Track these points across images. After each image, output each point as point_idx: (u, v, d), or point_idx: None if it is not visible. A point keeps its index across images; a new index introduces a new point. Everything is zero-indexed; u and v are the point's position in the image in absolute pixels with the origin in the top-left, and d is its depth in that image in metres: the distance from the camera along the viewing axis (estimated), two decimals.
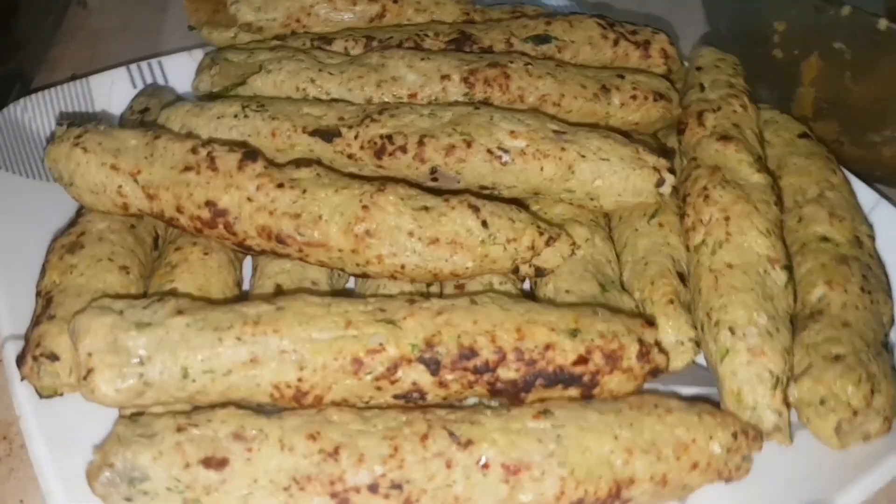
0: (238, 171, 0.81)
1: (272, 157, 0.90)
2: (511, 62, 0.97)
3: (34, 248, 0.86)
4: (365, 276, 0.83)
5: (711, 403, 0.75)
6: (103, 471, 0.66)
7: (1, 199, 0.95)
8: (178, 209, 0.82)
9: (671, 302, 0.84)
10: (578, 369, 0.72)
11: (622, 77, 1.00)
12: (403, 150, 0.88)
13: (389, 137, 0.88)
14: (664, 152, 0.93)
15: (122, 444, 0.67)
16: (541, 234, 0.82)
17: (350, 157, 0.90)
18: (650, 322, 0.76)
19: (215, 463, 0.67)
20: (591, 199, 0.89)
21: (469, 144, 0.87)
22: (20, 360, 0.74)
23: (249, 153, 0.83)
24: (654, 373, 0.74)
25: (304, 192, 0.81)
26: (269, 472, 0.67)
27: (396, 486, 0.67)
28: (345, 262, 0.82)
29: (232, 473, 0.67)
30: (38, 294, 0.79)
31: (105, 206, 0.85)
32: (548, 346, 0.72)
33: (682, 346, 0.83)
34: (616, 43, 1.07)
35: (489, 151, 0.87)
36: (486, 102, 0.96)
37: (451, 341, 0.71)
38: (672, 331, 0.83)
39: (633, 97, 0.99)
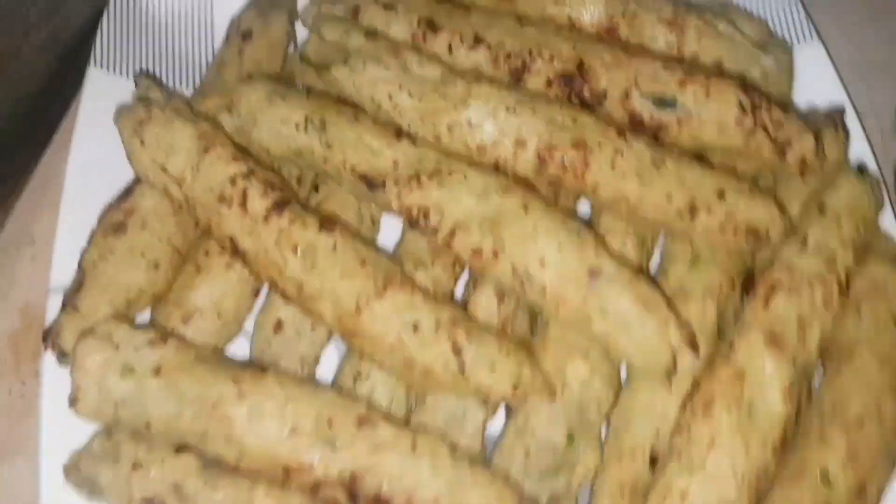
0: (264, 220, 0.83)
1: (321, 176, 0.91)
2: (599, 145, 0.87)
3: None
4: None
5: None
6: (72, 473, 0.82)
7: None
8: (208, 228, 0.87)
9: (622, 488, 0.84)
10: None
11: (721, 197, 0.88)
12: (434, 232, 0.86)
13: (426, 213, 0.85)
14: (692, 339, 0.84)
15: (92, 459, 0.82)
16: (514, 388, 0.82)
17: (388, 209, 0.88)
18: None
19: None
20: (606, 351, 0.86)
21: (496, 255, 0.84)
22: (45, 334, 0.87)
23: (280, 203, 0.84)
24: None
25: (313, 267, 0.83)
26: None
27: None
28: (339, 334, 0.86)
29: None
30: (79, 265, 0.89)
31: (155, 187, 0.90)
32: None
33: None
34: (751, 134, 0.91)
35: (513, 269, 0.83)
36: (554, 182, 0.88)
37: (373, 485, 0.78)
38: None
39: (722, 228, 0.88)
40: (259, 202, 0.83)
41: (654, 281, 0.86)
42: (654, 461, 0.85)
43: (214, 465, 0.81)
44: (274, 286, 0.85)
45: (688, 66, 0.93)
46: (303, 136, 0.89)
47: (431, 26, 0.96)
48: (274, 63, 1.02)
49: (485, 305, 0.88)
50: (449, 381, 0.81)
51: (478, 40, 0.95)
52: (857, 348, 0.87)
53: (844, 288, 0.85)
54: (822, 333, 0.84)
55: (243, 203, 0.84)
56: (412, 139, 0.89)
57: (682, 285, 0.90)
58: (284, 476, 0.79)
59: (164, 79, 1.05)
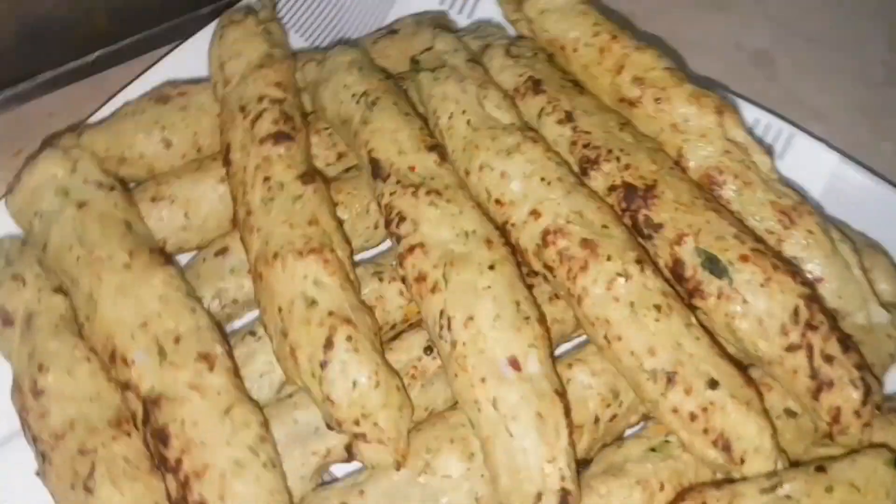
0: (259, 142, 0.82)
1: (351, 146, 0.88)
2: (609, 258, 0.75)
3: None
4: None
5: None
6: None
7: None
8: (221, 126, 0.87)
9: None
10: None
11: (713, 385, 0.71)
12: (398, 240, 0.79)
13: (402, 219, 0.79)
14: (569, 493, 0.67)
15: None
16: (356, 424, 0.71)
17: (379, 205, 0.83)
18: None
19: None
20: (484, 452, 0.72)
21: (434, 290, 0.75)
22: (44, 140, 0.90)
23: (284, 135, 0.82)
24: None
25: (271, 200, 0.79)
26: None
27: (42, 456, 0.74)
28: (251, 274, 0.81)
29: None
30: (115, 112, 0.93)
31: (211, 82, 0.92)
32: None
33: None
34: (792, 349, 0.74)
35: (441, 313, 0.74)
36: (548, 267, 0.78)
37: (166, 416, 0.71)
38: None
39: (693, 417, 0.71)
40: (266, 126, 0.82)
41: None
42: None
43: (71, 323, 0.78)
44: (233, 198, 0.83)
45: (764, 247, 0.79)
46: (352, 105, 0.87)
47: (536, 87, 0.91)
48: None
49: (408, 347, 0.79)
50: (305, 373, 0.72)
51: (569, 118, 0.88)
52: None
53: None
54: None
55: (255, 120, 0.83)
56: (441, 159, 0.84)
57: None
58: (110, 361, 0.74)
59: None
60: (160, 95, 0.93)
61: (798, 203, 0.85)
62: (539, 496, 0.67)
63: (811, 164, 1.00)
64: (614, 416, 0.79)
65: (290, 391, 0.79)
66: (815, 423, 0.76)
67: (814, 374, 0.74)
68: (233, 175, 0.83)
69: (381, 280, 0.83)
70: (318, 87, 0.91)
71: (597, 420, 0.78)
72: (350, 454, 0.73)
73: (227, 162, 0.84)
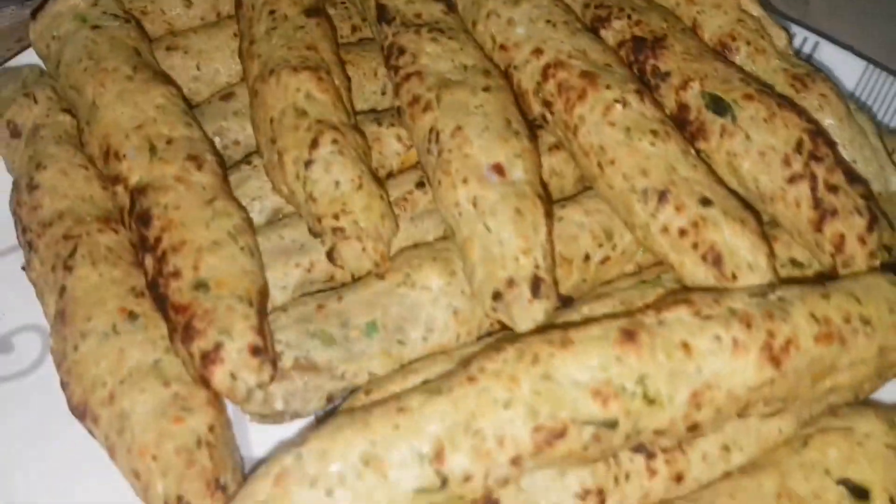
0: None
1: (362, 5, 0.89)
2: (608, 87, 0.73)
3: None
4: None
5: None
6: None
7: None
8: None
9: (367, 392, 0.65)
10: (171, 313, 0.65)
11: (706, 203, 0.69)
12: (396, 71, 0.79)
13: (402, 52, 0.79)
14: (540, 279, 0.65)
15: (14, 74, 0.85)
16: (335, 217, 0.70)
17: (381, 48, 0.83)
18: (256, 349, 0.62)
19: None
20: (462, 258, 0.70)
21: (426, 109, 0.74)
22: None
23: None
24: (204, 383, 0.62)
25: (274, 29, 0.81)
26: None
27: (29, 244, 0.74)
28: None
29: None
30: None
31: None
32: (176, 274, 0.66)
33: None
34: (793, 180, 0.71)
35: (431, 129, 0.73)
36: (547, 104, 0.77)
37: (149, 202, 0.71)
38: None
39: (682, 232, 0.68)
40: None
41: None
42: None
43: (74, 138, 0.80)
44: (241, 37, 0.84)
45: (770, 90, 0.77)
46: None
47: None
48: None
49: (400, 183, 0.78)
50: (290, 175, 0.72)
51: None
52: (769, 468, 0.64)
53: (776, 351, 0.59)
54: (711, 381, 0.59)
55: None
56: (448, 9, 0.84)
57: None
58: (103, 159, 0.75)
59: None
60: None
61: (812, 70, 0.83)
62: (510, 282, 0.64)
63: (839, 68, 0.99)
64: (607, 258, 0.76)
65: (280, 218, 0.79)
66: (819, 259, 0.71)
67: (817, 204, 0.70)
68: (242, 15, 0.85)
69: (379, 125, 0.83)
70: None
71: (587, 258, 0.75)
72: (331, 259, 0.71)
73: (238, 4, 0.87)
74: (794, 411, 0.66)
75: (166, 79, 0.81)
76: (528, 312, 0.64)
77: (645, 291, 0.71)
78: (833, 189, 0.70)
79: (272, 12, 0.82)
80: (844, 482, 0.61)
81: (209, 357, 0.62)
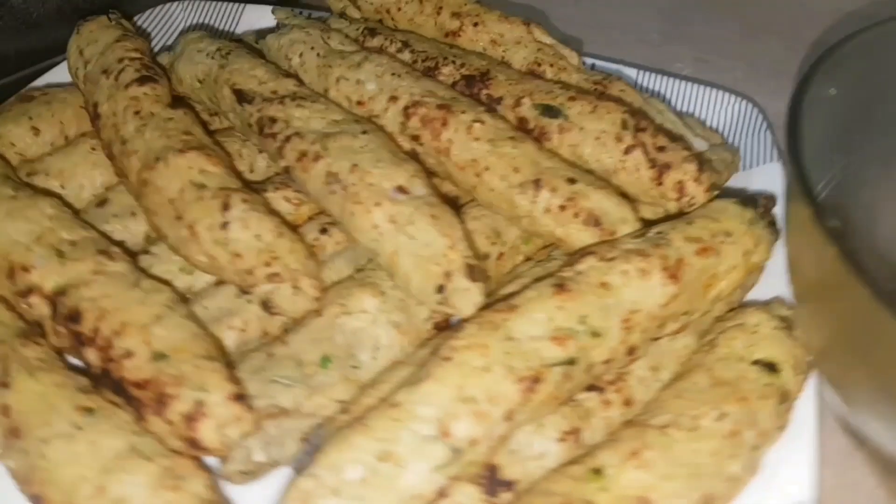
0: (125, 87, 0.88)
1: (214, 100, 0.95)
2: (463, 112, 0.86)
3: None
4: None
5: None
6: None
7: None
8: (86, 102, 0.92)
9: (344, 411, 0.69)
10: (134, 391, 0.66)
11: (572, 181, 0.81)
12: (274, 137, 0.86)
13: (273, 121, 0.86)
14: (475, 268, 0.74)
15: None
16: (267, 265, 0.74)
17: (249, 125, 0.90)
18: (240, 397, 0.64)
19: None
20: (391, 274, 0.77)
21: (317, 159, 0.81)
22: None
23: (147, 77, 0.89)
24: (194, 445, 0.63)
25: (144, 126, 0.85)
26: None
27: None
28: (138, 204, 0.84)
29: None
30: None
31: (75, 81, 0.99)
32: (129, 354, 0.67)
33: None
34: (629, 151, 0.86)
35: (327, 174, 0.80)
36: (415, 138, 0.87)
37: (74, 299, 0.71)
38: None
39: (562, 207, 0.80)
40: (130, 74, 0.89)
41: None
42: None
43: None
44: (107, 148, 0.87)
45: (583, 91, 0.93)
46: (209, 61, 0.96)
47: (372, 32, 1.04)
48: None
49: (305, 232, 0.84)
50: (207, 243, 0.75)
51: (406, 45, 1.01)
52: (696, 370, 0.73)
53: (673, 268, 0.72)
54: (631, 309, 0.70)
55: (118, 76, 0.90)
56: (299, 82, 0.93)
57: None
58: (7, 278, 0.74)
59: None
60: (24, 96, 0.98)
61: (606, 75, 1.01)
62: (447, 274, 0.72)
63: None
64: (501, 254, 0.86)
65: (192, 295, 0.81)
66: (667, 209, 0.86)
67: (653, 163, 0.85)
68: (103, 126, 0.88)
69: (265, 191, 0.88)
70: (175, 64, 0.99)
71: (486, 257, 0.84)
72: (267, 309, 0.75)
73: (95, 117, 0.90)
74: (693, 329, 0.79)
75: (47, 192, 0.81)
76: (469, 297, 0.72)
77: (545, 268, 0.82)
78: (661, 149, 0.86)
79: (137, 113, 0.86)
80: (757, 362, 0.73)
81: (192, 417, 0.63)
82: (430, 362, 0.66)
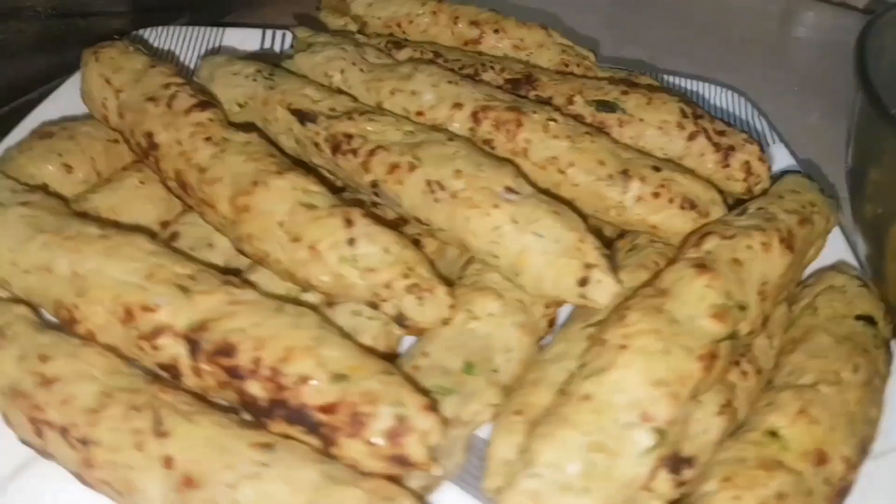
0: (184, 114, 0.83)
1: (262, 124, 0.91)
2: (534, 112, 0.87)
3: None
4: (242, 253, 0.80)
5: None
6: None
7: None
8: (132, 132, 0.86)
9: (518, 413, 0.69)
10: (320, 416, 0.62)
11: (657, 169, 0.84)
12: (355, 153, 0.83)
13: (349, 138, 0.84)
14: (610, 261, 0.76)
15: None
16: (405, 276, 0.72)
17: (315, 144, 0.87)
18: (432, 407, 0.62)
19: None
20: (515, 275, 0.77)
21: (412, 169, 0.80)
22: None
23: (205, 103, 0.84)
24: (401, 461, 0.61)
25: (223, 151, 0.80)
26: (1, 373, 0.67)
27: (83, 441, 0.63)
28: (227, 230, 0.79)
29: None
30: None
31: (96, 113, 0.91)
32: (304, 379, 0.63)
33: (507, 467, 0.67)
34: (692, 137, 0.90)
35: (427, 182, 0.79)
36: (487, 143, 0.87)
37: (220, 332, 0.66)
38: (502, 445, 0.68)
39: (656, 195, 0.83)
40: (185, 99, 0.84)
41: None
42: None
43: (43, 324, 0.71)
44: (177, 177, 0.81)
45: (632, 85, 0.96)
46: (250, 83, 0.92)
47: (398, 45, 1.03)
48: None
49: None
50: (332, 263, 0.72)
51: (437, 55, 1.01)
52: (813, 331, 0.78)
53: (787, 239, 0.76)
54: (762, 280, 0.74)
55: (170, 102, 0.84)
56: (354, 98, 0.91)
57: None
58: (125, 321, 0.68)
59: None
60: (42, 132, 0.89)
61: (629, 71, 1.05)
62: (588, 266, 0.73)
63: None
64: None
65: None
66: (732, 189, 0.91)
67: (717, 147, 0.90)
68: (164, 155, 0.82)
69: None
70: (208, 87, 0.94)
71: None
72: (401, 322, 0.73)
73: (151, 148, 0.83)
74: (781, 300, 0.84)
75: (134, 228, 0.75)
76: (606, 288, 0.73)
77: (640, 255, 0.84)
78: (721, 133, 0.91)
79: (207, 139, 0.81)
80: (859, 318, 0.79)
81: (396, 433, 0.61)
82: (601, 356, 0.67)
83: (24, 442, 0.67)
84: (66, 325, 0.71)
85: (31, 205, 0.74)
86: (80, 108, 0.95)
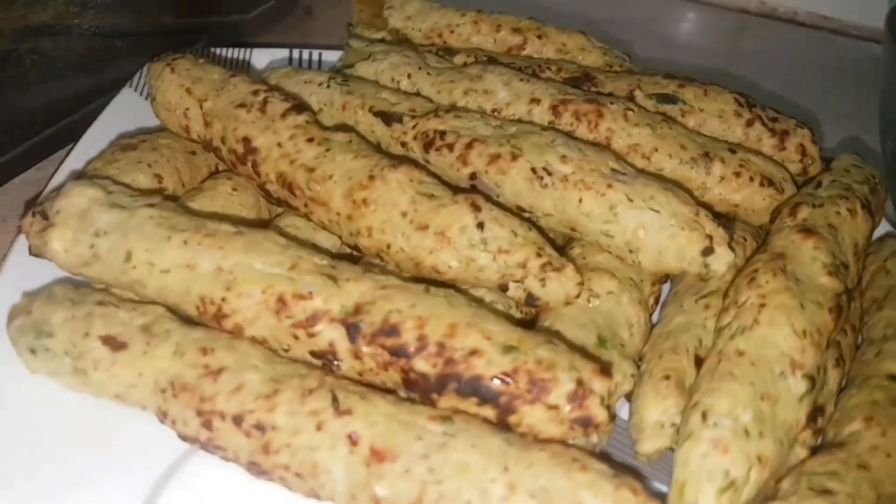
0: (281, 117, 0.83)
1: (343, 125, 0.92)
2: (611, 103, 0.91)
3: None
4: (357, 249, 0.80)
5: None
6: (20, 315, 0.69)
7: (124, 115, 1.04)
8: (223, 140, 0.86)
9: (667, 378, 0.72)
10: (497, 385, 0.63)
11: (733, 151, 0.90)
12: (450, 148, 0.85)
13: (442, 134, 0.86)
14: (727, 226, 0.81)
15: (48, 299, 0.70)
16: (538, 256, 0.74)
17: (403, 144, 0.89)
18: (605, 370, 0.65)
19: (114, 343, 0.67)
20: (631, 252, 0.80)
21: (515, 158, 0.82)
22: (24, 214, 0.80)
23: (298, 106, 0.85)
24: (585, 423, 0.63)
25: (328, 151, 0.81)
26: (155, 370, 0.66)
27: (259, 428, 0.63)
28: (341, 227, 0.80)
29: (125, 359, 0.67)
30: (81, 174, 0.86)
31: (174, 125, 0.91)
32: (474, 352, 0.64)
33: (660, 429, 0.70)
34: (750, 124, 0.96)
35: (532, 170, 0.82)
36: (569, 134, 0.90)
37: (379, 314, 0.66)
38: (655, 409, 0.71)
39: (737, 174, 0.88)
40: (278, 105, 0.84)
41: None
42: (698, 362, 0.74)
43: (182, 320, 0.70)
44: (280, 179, 0.81)
45: (684, 79, 1.02)
46: (325, 90, 0.93)
47: (450, 52, 1.07)
48: None
49: None
50: (462, 246, 0.74)
51: (491, 60, 1.05)
52: (894, 290, 0.83)
53: (867, 205, 0.83)
54: (853, 241, 0.80)
55: (263, 107, 0.84)
56: (428, 99, 0.93)
57: None
58: (277, 310, 0.67)
59: None
60: (124, 145, 0.88)
61: (666, 72, 1.11)
62: (709, 237, 0.77)
63: None
64: None
65: None
66: (787, 173, 0.97)
67: (773, 132, 0.96)
68: (265, 159, 0.83)
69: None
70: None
71: None
72: (531, 302, 0.75)
73: (249, 153, 0.83)
74: None
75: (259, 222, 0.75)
76: (728, 256, 0.77)
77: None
78: (774, 119, 0.97)
79: (310, 140, 0.82)
80: None
81: (579, 395, 0.62)
82: (739, 318, 0.71)
83: (185, 438, 0.66)
84: (211, 321, 0.70)
85: (157, 206, 0.73)
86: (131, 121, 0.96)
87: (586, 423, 0.63)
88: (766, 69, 1.55)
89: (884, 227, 0.98)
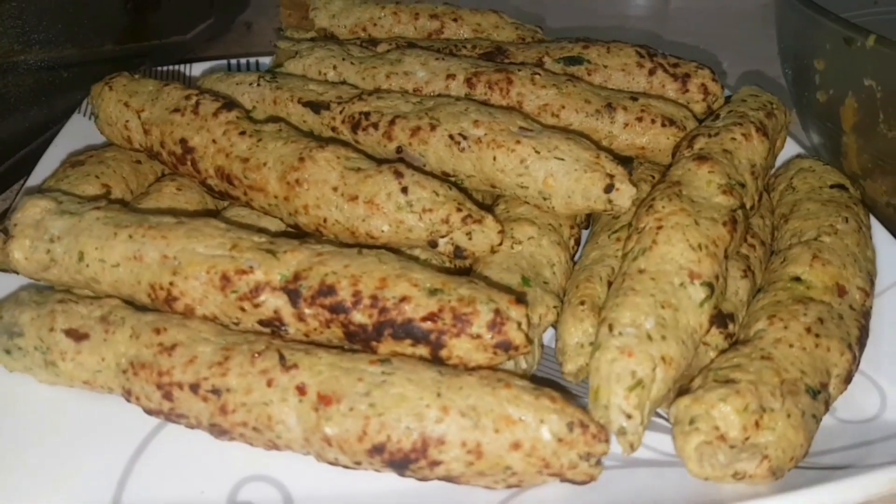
0: (213, 116, 0.90)
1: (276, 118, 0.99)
2: (519, 70, 0.99)
3: None
4: (297, 228, 0.87)
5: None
6: None
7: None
8: (162, 144, 0.92)
9: (582, 303, 0.79)
10: (426, 325, 0.70)
11: (635, 99, 0.97)
12: (375, 126, 0.92)
13: (367, 114, 0.93)
14: (626, 164, 0.88)
15: (15, 303, 0.76)
16: (458, 210, 0.81)
17: (333, 129, 0.95)
18: (520, 299, 0.72)
19: (76, 335, 0.74)
20: (545, 199, 0.87)
21: (433, 128, 0.89)
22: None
23: (229, 104, 0.92)
24: (506, 347, 0.70)
25: (260, 141, 0.88)
26: (116, 354, 0.72)
27: (215, 392, 0.69)
28: (280, 209, 0.87)
29: (88, 347, 0.73)
30: (38, 189, 0.92)
31: (117, 138, 0.97)
32: (404, 299, 0.71)
33: (581, 349, 0.77)
34: (652, 72, 1.04)
35: (450, 136, 0.89)
36: (484, 103, 0.97)
37: (316, 278, 0.73)
38: (574, 331, 0.78)
39: (639, 119, 0.95)
40: (210, 105, 0.91)
41: None
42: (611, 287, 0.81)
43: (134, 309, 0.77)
44: (219, 173, 0.88)
45: (588, 41, 1.10)
46: (255, 89, 1.00)
47: (373, 42, 1.14)
48: None
49: None
50: (392, 209, 0.81)
51: (411, 45, 1.12)
52: (799, 203, 0.91)
53: (761, 129, 0.90)
54: (750, 163, 0.87)
55: (196, 109, 0.91)
56: (355, 86, 1.00)
57: None
58: (221, 287, 0.74)
59: None
60: (73, 161, 0.95)
61: (576, 39, 1.19)
62: (610, 175, 0.84)
63: None
64: None
65: None
66: (688, 112, 1.04)
67: (674, 77, 1.04)
68: (202, 156, 0.89)
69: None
70: None
71: None
72: (459, 254, 0.82)
73: (187, 152, 0.90)
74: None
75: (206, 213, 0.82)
76: (630, 191, 0.84)
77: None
78: (675, 65, 1.05)
79: (242, 133, 0.88)
80: (832, 186, 0.93)
81: (497, 323, 0.69)
82: (641, 238, 0.78)
83: (150, 412, 0.72)
84: (163, 306, 0.76)
85: (103, 208, 0.80)
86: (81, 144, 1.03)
87: (507, 347, 0.70)
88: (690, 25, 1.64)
89: (794, 149, 1.06)
